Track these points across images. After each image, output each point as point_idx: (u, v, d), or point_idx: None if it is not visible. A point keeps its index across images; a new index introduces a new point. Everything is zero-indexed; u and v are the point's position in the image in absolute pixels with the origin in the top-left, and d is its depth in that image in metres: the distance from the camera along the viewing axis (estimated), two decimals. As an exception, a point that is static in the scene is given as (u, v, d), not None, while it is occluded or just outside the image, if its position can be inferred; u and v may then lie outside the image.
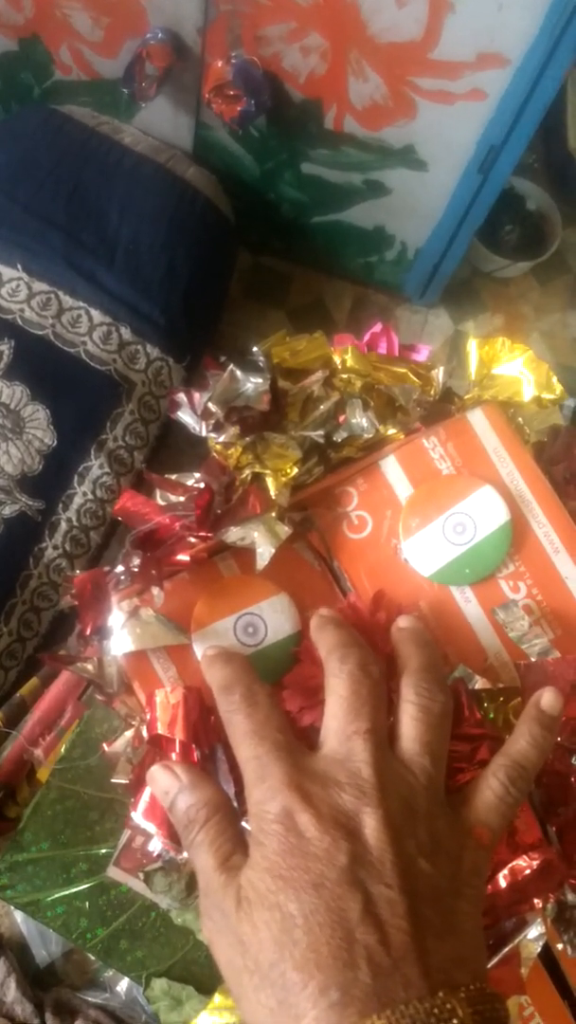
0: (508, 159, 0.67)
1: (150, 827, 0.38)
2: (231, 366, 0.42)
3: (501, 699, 0.39)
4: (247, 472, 0.41)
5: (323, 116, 0.70)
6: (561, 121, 0.93)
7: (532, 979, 0.51)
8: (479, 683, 0.39)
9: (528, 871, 0.37)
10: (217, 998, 0.51)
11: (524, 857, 0.37)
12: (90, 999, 0.59)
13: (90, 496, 0.68)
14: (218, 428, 0.42)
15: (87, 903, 0.56)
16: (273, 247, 0.90)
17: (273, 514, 0.40)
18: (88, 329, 0.69)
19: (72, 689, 0.59)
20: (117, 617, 0.40)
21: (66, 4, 0.69)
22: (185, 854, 0.37)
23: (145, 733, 0.38)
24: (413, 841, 0.32)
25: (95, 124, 0.76)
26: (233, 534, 0.40)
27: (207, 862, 0.33)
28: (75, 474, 0.68)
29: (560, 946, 0.42)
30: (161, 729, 0.37)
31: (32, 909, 0.57)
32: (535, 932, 0.38)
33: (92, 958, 0.59)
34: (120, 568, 0.40)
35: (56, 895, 0.57)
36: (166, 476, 0.43)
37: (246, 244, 0.89)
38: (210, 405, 0.42)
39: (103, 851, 0.57)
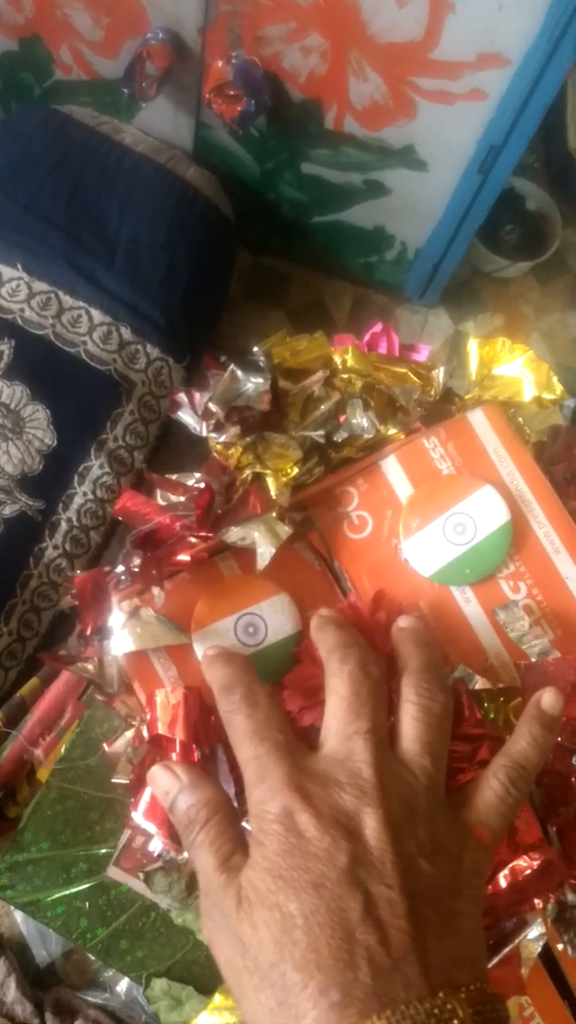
0: (508, 159, 0.67)
1: (150, 827, 0.37)
2: (231, 366, 0.42)
3: (501, 699, 0.39)
4: (247, 472, 0.41)
5: (323, 116, 0.70)
6: (561, 121, 0.93)
7: (532, 979, 0.51)
8: (479, 683, 0.39)
9: (528, 871, 0.37)
10: (217, 998, 0.51)
11: (524, 857, 0.37)
12: (90, 999, 0.59)
13: (90, 496, 0.68)
14: (218, 428, 0.42)
15: (87, 903, 0.56)
16: (273, 247, 0.90)
17: (273, 514, 0.40)
18: (88, 329, 0.69)
19: (72, 689, 0.59)
20: (117, 617, 0.40)
21: (66, 4, 0.69)
22: (185, 854, 0.37)
23: (145, 733, 0.38)
24: (413, 841, 0.32)
25: (95, 124, 0.76)
26: (233, 534, 0.40)
27: (207, 862, 0.33)
28: (75, 474, 0.68)
29: (560, 946, 0.42)
30: (161, 729, 0.37)
31: (32, 909, 0.57)
32: (535, 932, 0.38)
33: (92, 958, 0.59)
34: (120, 568, 0.40)
35: (56, 895, 0.57)
36: (166, 476, 0.43)
37: (246, 244, 0.88)
38: (210, 405, 0.42)
39: (103, 851, 0.57)
